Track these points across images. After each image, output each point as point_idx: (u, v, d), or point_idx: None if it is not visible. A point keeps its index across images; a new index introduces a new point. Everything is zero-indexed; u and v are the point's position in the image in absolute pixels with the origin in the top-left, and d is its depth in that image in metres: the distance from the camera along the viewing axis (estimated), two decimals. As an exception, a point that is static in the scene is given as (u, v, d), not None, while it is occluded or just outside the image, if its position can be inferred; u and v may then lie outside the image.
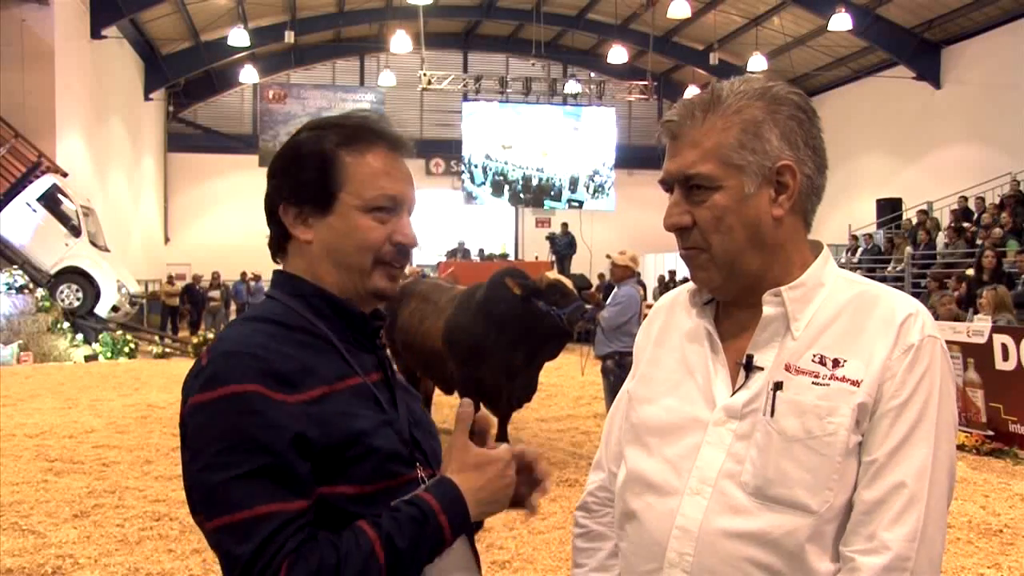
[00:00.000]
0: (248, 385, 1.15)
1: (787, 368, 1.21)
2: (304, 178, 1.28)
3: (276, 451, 1.13)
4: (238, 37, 22.08)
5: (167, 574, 4.30)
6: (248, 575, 1.10)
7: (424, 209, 28.56)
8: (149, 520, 5.13)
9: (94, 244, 16.96)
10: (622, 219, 25.35)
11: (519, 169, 24.71)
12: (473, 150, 24.67)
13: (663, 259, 22.37)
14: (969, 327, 7.70)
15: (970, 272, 13.21)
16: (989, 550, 4.74)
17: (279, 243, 1.34)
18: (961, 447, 7.22)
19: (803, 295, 1.24)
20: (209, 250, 25.00)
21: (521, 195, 25.19)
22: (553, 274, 7.32)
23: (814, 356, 1.20)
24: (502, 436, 7.07)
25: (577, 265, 20.54)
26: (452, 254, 22.28)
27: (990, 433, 7.23)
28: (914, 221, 18.26)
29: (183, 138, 27.08)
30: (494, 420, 1.23)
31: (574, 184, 25.02)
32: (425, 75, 23.06)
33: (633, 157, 25.08)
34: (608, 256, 7.38)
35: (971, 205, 17.12)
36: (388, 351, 1.41)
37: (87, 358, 15.06)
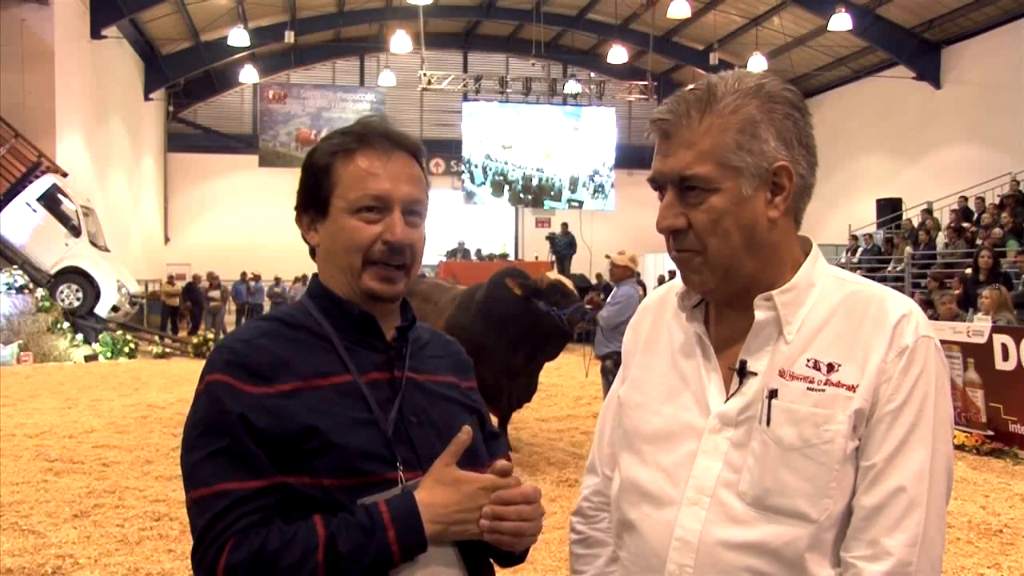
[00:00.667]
0: (218, 375, 1.25)
1: (781, 374, 1.19)
2: (307, 186, 1.36)
3: (232, 434, 1.22)
4: (238, 37, 22.09)
5: (167, 574, 4.29)
6: (199, 546, 1.20)
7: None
8: (149, 520, 5.13)
9: (94, 244, 16.95)
10: (622, 219, 25.35)
11: (519, 169, 24.72)
12: (473, 150, 24.68)
13: (663, 259, 22.35)
14: (969, 327, 7.70)
15: (967, 272, 13.24)
16: (989, 550, 4.74)
17: (311, 248, 1.42)
18: (961, 447, 7.22)
19: (794, 298, 1.21)
20: (209, 250, 25.01)
21: (521, 195, 25.19)
22: (553, 274, 7.33)
23: (808, 361, 1.18)
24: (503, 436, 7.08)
25: (577, 265, 20.55)
26: (452, 254, 22.27)
27: (990, 433, 7.23)
28: (914, 221, 18.26)
29: (183, 138, 27.09)
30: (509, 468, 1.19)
31: (574, 184, 25.02)
32: (425, 75, 23.07)
33: (633, 157, 25.09)
34: (607, 256, 7.39)
35: (971, 205, 17.13)
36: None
37: (87, 358, 15.05)
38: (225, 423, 1.22)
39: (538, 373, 7.16)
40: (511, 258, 23.41)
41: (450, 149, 26.34)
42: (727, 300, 1.26)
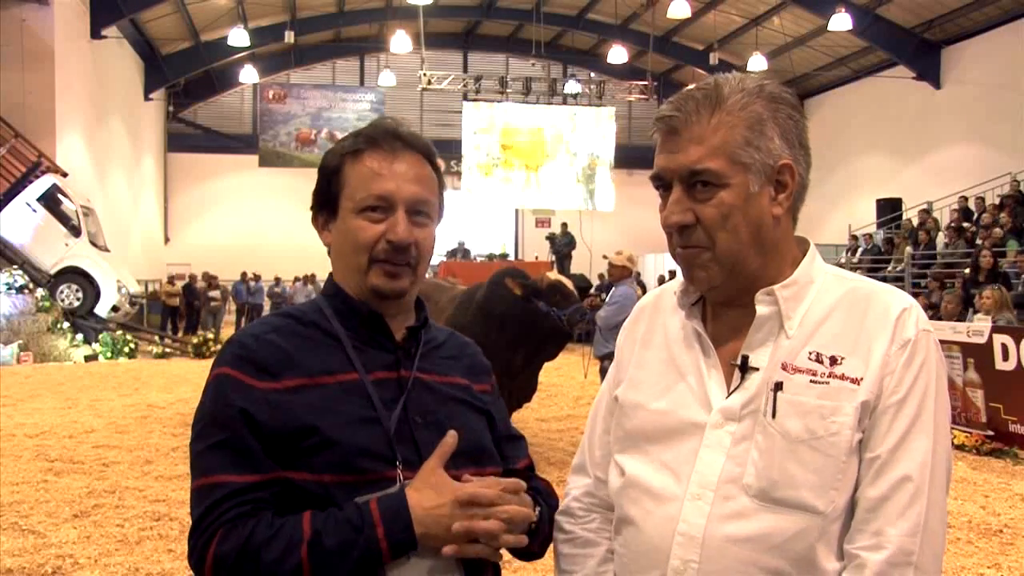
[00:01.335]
0: (226, 368, 1.29)
1: (784, 367, 1.20)
2: (319, 188, 1.40)
3: (232, 428, 1.25)
4: (238, 37, 22.09)
5: (167, 574, 4.29)
6: (194, 534, 1.23)
7: (424, 209, 28.26)
8: (149, 520, 5.13)
9: (94, 244, 16.96)
10: (622, 219, 25.35)
11: (519, 169, 24.66)
12: (473, 150, 24.62)
13: (663, 259, 22.36)
14: (969, 327, 7.70)
15: (967, 272, 13.24)
16: (989, 550, 4.74)
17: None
18: (961, 447, 7.22)
19: (795, 293, 1.23)
20: (209, 250, 25.02)
21: (521, 195, 25.15)
22: (553, 274, 7.33)
23: (810, 354, 1.20)
24: None
25: (577, 265, 20.54)
26: (452, 254, 22.24)
27: (990, 433, 7.23)
28: (914, 221, 18.26)
29: (183, 138, 27.10)
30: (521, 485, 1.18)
31: (574, 184, 24.97)
32: (425, 75, 23.07)
33: (633, 157, 25.09)
34: (605, 256, 7.40)
35: (971, 205, 17.13)
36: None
37: (87, 358, 15.05)
38: (227, 416, 1.25)
39: (538, 373, 7.16)
40: (511, 258, 23.38)
41: (450, 149, 26.33)
42: (729, 297, 1.27)
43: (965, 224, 16.52)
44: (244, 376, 1.27)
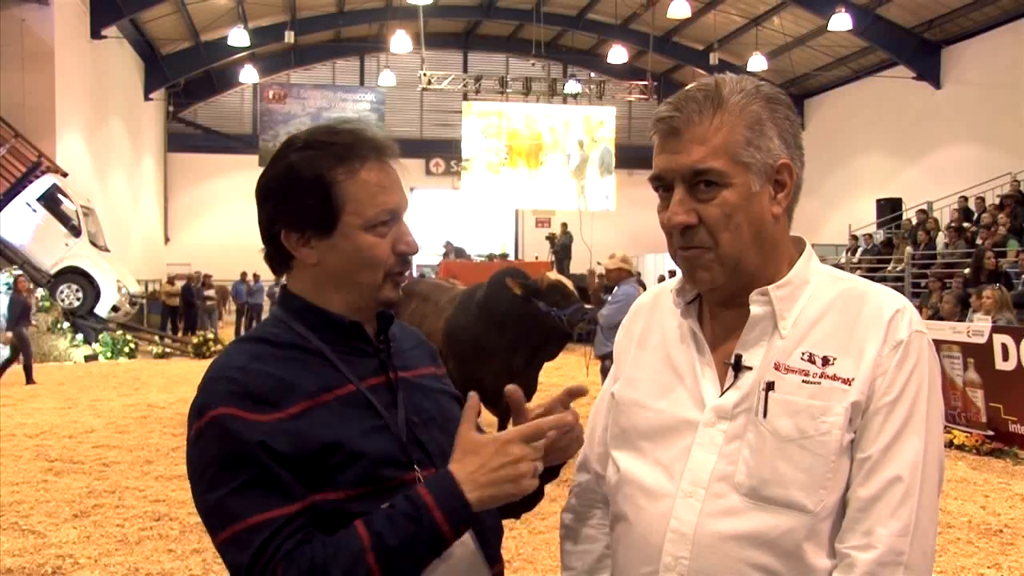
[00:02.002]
0: (222, 408, 1.20)
1: (777, 367, 1.21)
2: (304, 204, 1.28)
3: (257, 463, 1.18)
4: (238, 37, 22.09)
5: (167, 574, 4.30)
6: None
7: (424, 209, 28.22)
8: (149, 520, 5.13)
9: (94, 244, 16.96)
10: (622, 219, 25.36)
11: (519, 168, 24.65)
12: (473, 150, 24.63)
13: (663, 259, 22.36)
14: (969, 327, 7.70)
15: (966, 272, 13.24)
16: (989, 550, 4.74)
17: (282, 261, 1.35)
18: (961, 447, 7.23)
19: (790, 293, 1.24)
20: (209, 250, 25.02)
21: (522, 193, 25.14)
22: (554, 274, 7.33)
23: (803, 354, 1.20)
24: None
25: (577, 265, 20.54)
26: (445, 255, 22.16)
27: (990, 433, 7.23)
28: (914, 221, 18.26)
29: (183, 138, 27.11)
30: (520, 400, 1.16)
31: (573, 184, 24.95)
32: (425, 75, 23.07)
33: (633, 157, 25.09)
34: (599, 263, 7.40)
35: (971, 205, 17.13)
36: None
37: (87, 358, 15.05)
38: (245, 454, 1.18)
39: (538, 373, 7.16)
40: (511, 258, 23.37)
41: (450, 149, 26.35)
42: (728, 297, 1.28)
43: (965, 224, 16.51)
44: (245, 412, 1.20)
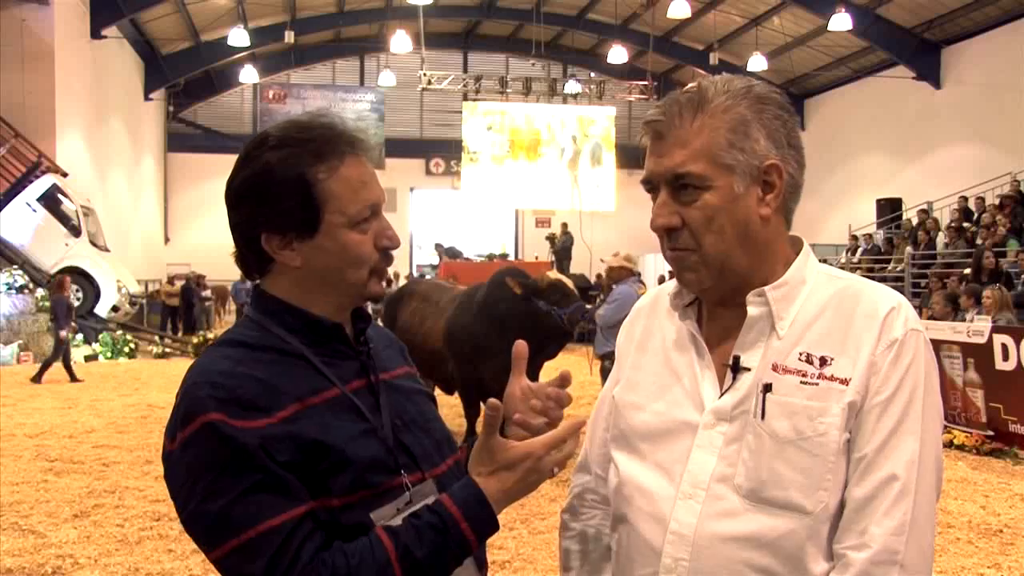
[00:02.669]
0: (211, 414, 1.15)
1: (774, 368, 1.21)
2: (285, 206, 1.24)
3: (260, 466, 1.14)
4: (238, 37, 22.09)
5: (167, 574, 4.30)
6: None
7: (424, 209, 28.11)
8: (149, 520, 5.13)
9: (94, 244, 16.97)
10: (622, 219, 25.33)
11: (520, 160, 24.60)
12: (478, 144, 24.58)
13: (663, 259, 22.30)
14: (969, 327, 7.70)
15: (965, 272, 13.23)
16: (989, 550, 4.74)
17: (259, 263, 1.30)
18: (961, 447, 7.23)
19: (786, 294, 1.24)
20: (209, 250, 24.96)
21: (522, 189, 25.11)
22: (554, 274, 7.33)
23: (800, 354, 1.20)
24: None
25: (577, 265, 20.53)
26: (438, 257, 22.06)
27: (990, 433, 7.23)
28: (914, 221, 18.26)
29: (183, 138, 27.10)
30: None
31: (568, 176, 24.92)
32: (425, 75, 23.06)
33: (633, 157, 24.99)
34: (602, 260, 7.40)
35: (971, 205, 17.13)
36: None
37: (87, 358, 15.05)
38: (247, 457, 1.14)
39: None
40: (511, 258, 23.36)
41: (450, 149, 26.34)
42: (721, 298, 1.28)
43: (965, 224, 16.51)
44: (234, 419, 1.15)
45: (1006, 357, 7.11)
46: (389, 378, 1.36)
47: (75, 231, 16.48)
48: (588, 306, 6.97)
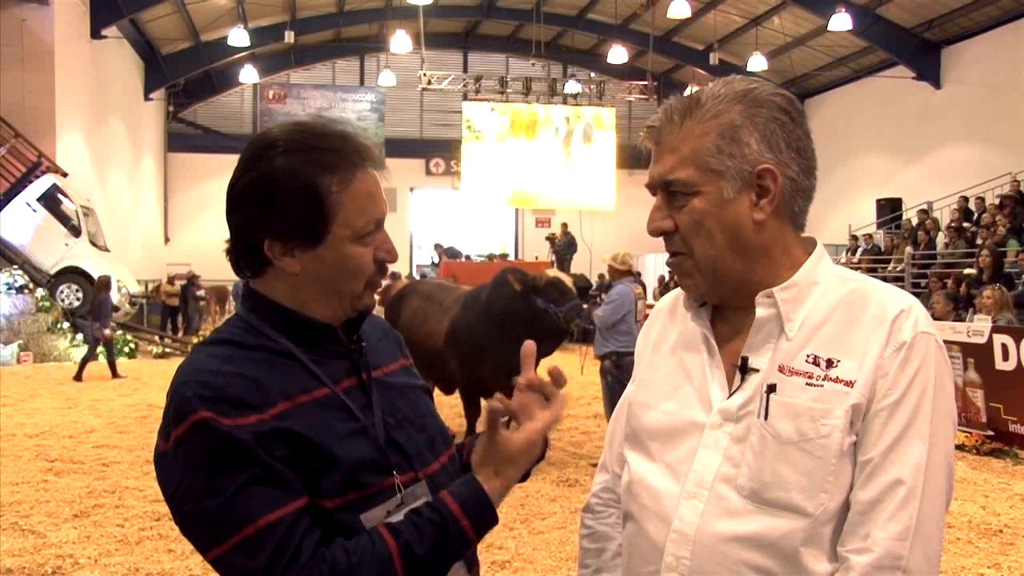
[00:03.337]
0: (201, 412, 1.14)
1: (781, 369, 1.21)
2: (292, 214, 1.22)
3: (256, 461, 1.14)
4: (238, 37, 22.08)
5: (167, 574, 4.30)
6: None
7: (424, 209, 28.05)
8: (149, 520, 5.13)
9: (94, 244, 16.96)
10: (622, 219, 25.31)
11: (519, 145, 24.57)
12: (472, 149, 24.60)
13: (663, 259, 22.30)
14: (969, 327, 7.70)
15: (969, 271, 13.21)
16: (989, 550, 4.74)
17: (254, 264, 1.28)
18: (961, 447, 7.22)
19: (796, 295, 1.23)
20: (209, 250, 24.88)
21: (521, 193, 25.11)
22: (553, 271, 7.34)
23: (807, 356, 1.20)
24: None
25: (577, 265, 20.54)
26: (438, 257, 22.04)
27: (990, 433, 7.23)
28: (914, 221, 18.26)
29: (183, 138, 27.09)
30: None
31: (567, 159, 24.92)
32: (425, 75, 23.05)
33: (633, 157, 24.98)
34: (604, 259, 7.43)
35: (971, 205, 17.13)
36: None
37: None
38: (243, 452, 1.13)
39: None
40: (511, 258, 23.36)
41: (450, 149, 26.33)
42: (724, 301, 1.29)
43: (965, 224, 16.51)
44: (224, 417, 1.14)
45: (1006, 357, 7.11)
46: (382, 374, 1.36)
47: (75, 231, 16.47)
48: (585, 306, 6.97)
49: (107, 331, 12.65)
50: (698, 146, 1.21)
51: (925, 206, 18.12)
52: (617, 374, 6.57)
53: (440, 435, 1.39)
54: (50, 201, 16.20)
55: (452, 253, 21.79)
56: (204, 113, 27.45)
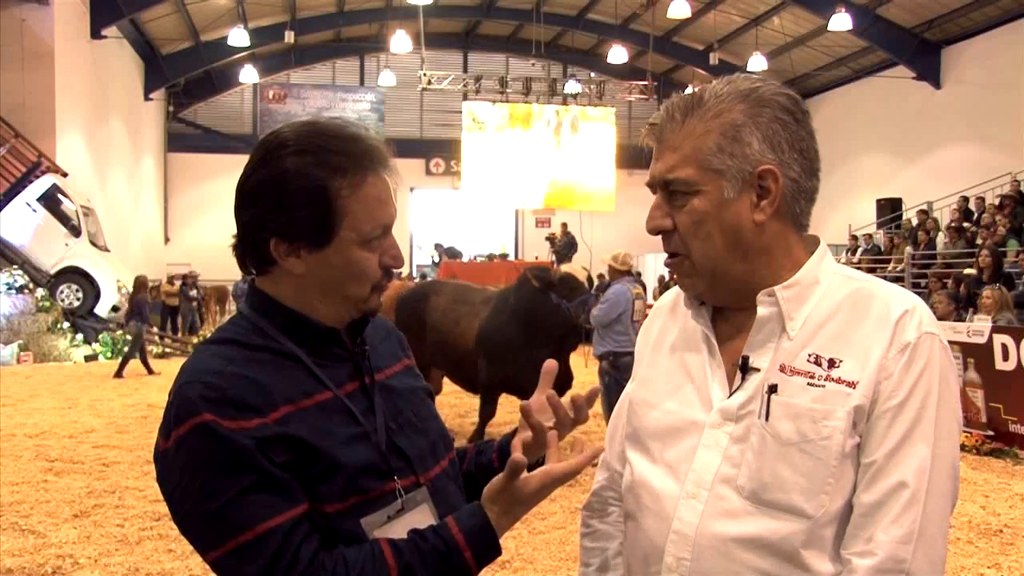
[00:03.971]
0: (204, 415, 1.14)
1: (782, 369, 1.19)
2: (300, 215, 1.21)
3: (256, 466, 1.13)
4: (238, 37, 22.08)
5: (167, 574, 4.30)
6: None
7: (424, 209, 28.07)
8: (149, 520, 5.13)
9: (94, 244, 16.96)
10: (622, 219, 25.31)
11: (520, 167, 24.62)
12: (473, 149, 24.61)
13: (663, 259, 22.32)
14: (969, 327, 7.70)
15: (969, 271, 13.20)
16: (989, 550, 4.74)
17: (259, 262, 1.28)
18: (961, 447, 7.19)
19: (798, 294, 1.22)
20: (209, 250, 24.95)
21: (521, 193, 25.13)
22: (568, 266, 7.37)
23: (809, 356, 1.19)
24: None
25: (577, 266, 20.51)
26: (438, 257, 22.03)
27: (990, 433, 7.23)
28: (914, 221, 18.26)
29: (183, 138, 27.09)
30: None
31: (556, 147, 24.99)
32: (425, 75, 23.05)
33: (633, 157, 25.05)
34: (603, 259, 7.44)
35: (971, 205, 17.13)
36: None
37: (87, 358, 15.06)
38: (243, 457, 1.13)
39: (568, 366, 7.22)
40: (511, 258, 23.36)
41: (450, 149, 26.34)
42: (723, 302, 1.28)
43: (965, 224, 16.51)
44: (226, 420, 1.13)
45: (1006, 357, 7.11)
46: (385, 377, 1.35)
47: (75, 231, 16.47)
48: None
49: (143, 329, 13.25)
50: (699, 145, 1.20)
51: (925, 206, 18.12)
52: (614, 374, 6.56)
53: (441, 438, 1.39)
54: (50, 201, 16.19)
55: (452, 253, 21.77)
56: (204, 113, 27.45)
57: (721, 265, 1.22)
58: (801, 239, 1.27)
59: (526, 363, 6.62)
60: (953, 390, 1.18)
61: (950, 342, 6.07)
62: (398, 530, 1.22)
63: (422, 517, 1.25)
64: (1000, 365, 7.15)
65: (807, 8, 20.63)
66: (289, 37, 23.01)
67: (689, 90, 1.28)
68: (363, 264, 1.26)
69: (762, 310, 1.22)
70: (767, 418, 1.18)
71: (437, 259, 21.93)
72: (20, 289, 15.08)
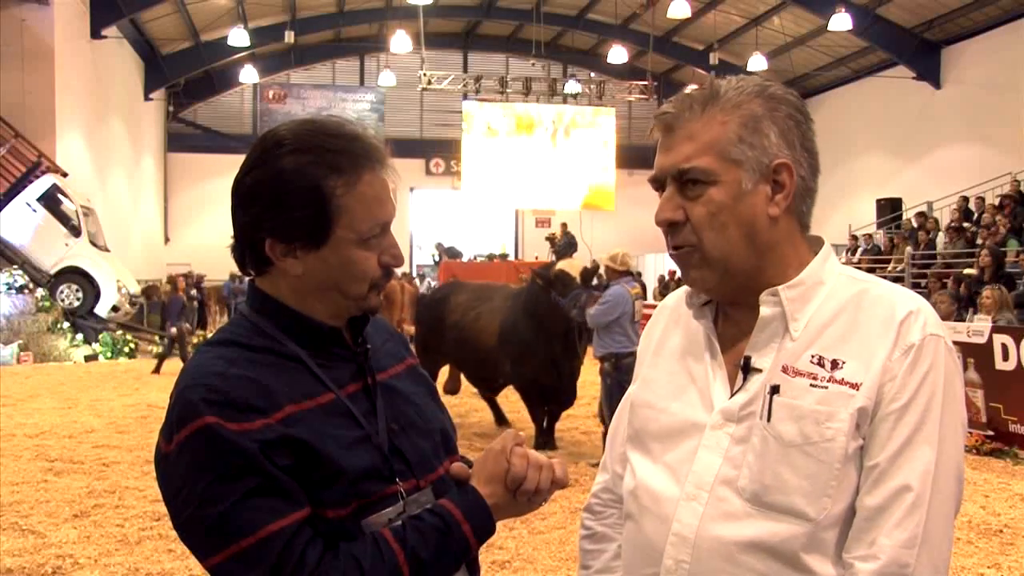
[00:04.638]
0: (207, 418, 1.13)
1: (784, 370, 1.18)
2: (296, 215, 1.21)
3: (259, 470, 1.12)
4: (238, 37, 22.08)
5: (167, 574, 4.30)
6: None
7: (424, 209, 28.11)
8: (149, 520, 5.13)
9: (94, 244, 16.96)
10: (622, 219, 25.33)
11: (520, 168, 24.62)
12: (473, 149, 24.61)
13: (663, 259, 22.35)
14: (969, 327, 7.70)
15: (969, 271, 13.20)
16: (989, 550, 4.74)
17: (257, 263, 1.27)
18: (961, 447, 7.23)
19: (802, 294, 1.21)
20: (209, 250, 24.95)
21: (522, 193, 25.14)
22: (566, 263, 7.39)
23: (812, 357, 1.17)
24: (550, 436, 7.38)
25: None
26: (438, 257, 22.02)
27: (990, 433, 7.23)
28: (914, 221, 18.26)
29: (183, 138, 27.09)
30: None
31: (552, 147, 25.04)
32: (425, 75, 23.05)
33: (633, 157, 25.08)
34: (601, 259, 7.45)
35: (971, 205, 17.13)
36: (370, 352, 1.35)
37: (87, 358, 15.06)
38: (246, 460, 1.12)
39: (579, 361, 7.28)
40: (511, 258, 23.36)
41: (450, 149, 26.34)
42: (731, 298, 1.27)
43: (965, 224, 16.51)
44: (229, 422, 1.12)
45: (1006, 357, 7.11)
46: (387, 378, 1.34)
47: (75, 231, 16.47)
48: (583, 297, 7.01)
49: (174, 329, 13.74)
50: (720, 134, 1.18)
51: (925, 206, 18.11)
52: (615, 376, 6.55)
53: (444, 439, 1.38)
54: (50, 201, 16.19)
55: (453, 253, 21.78)
56: (204, 113, 27.46)
57: (734, 258, 1.20)
58: (805, 238, 1.27)
59: (543, 361, 6.87)
60: (958, 393, 1.16)
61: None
62: None
63: None
64: (1000, 365, 7.16)
65: (807, 8, 20.63)
66: (289, 37, 23.00)
67: (687, 90, 1.27)
68: (361, 263, 1.25)
69: (765, 310, 1.21)
70: (769, 419, 1.17)
71: (437, 258, 21.92)
72: (20, 289, 15.08)
